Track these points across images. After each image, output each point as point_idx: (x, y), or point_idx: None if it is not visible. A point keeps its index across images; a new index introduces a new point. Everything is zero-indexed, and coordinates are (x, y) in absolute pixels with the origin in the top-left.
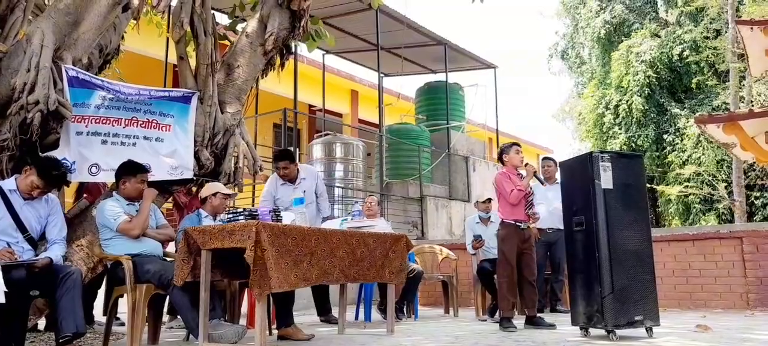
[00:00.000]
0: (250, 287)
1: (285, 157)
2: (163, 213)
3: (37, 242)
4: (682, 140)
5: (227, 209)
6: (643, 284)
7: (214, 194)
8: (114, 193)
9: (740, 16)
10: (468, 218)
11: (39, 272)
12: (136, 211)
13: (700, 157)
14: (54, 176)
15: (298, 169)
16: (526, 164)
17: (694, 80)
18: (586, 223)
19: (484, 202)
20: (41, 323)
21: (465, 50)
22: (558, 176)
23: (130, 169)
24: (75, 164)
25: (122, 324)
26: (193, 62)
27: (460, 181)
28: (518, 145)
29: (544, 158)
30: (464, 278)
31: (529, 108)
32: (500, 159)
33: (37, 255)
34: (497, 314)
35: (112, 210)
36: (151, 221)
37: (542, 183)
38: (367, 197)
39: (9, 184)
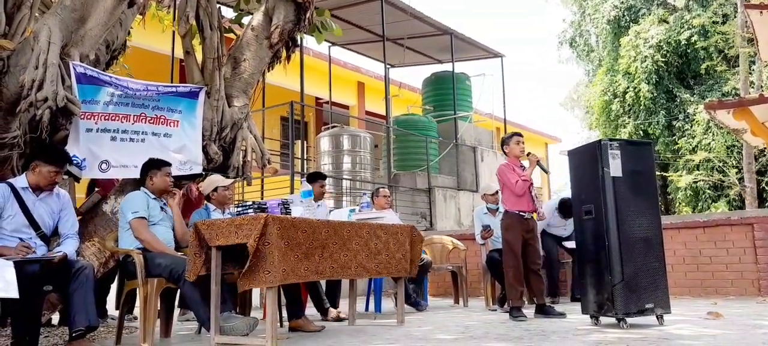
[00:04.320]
0: (241, 278)
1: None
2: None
3: (50, 238)
4: (691, 126)
5: (236, 201)
6: (654, 272)
7: (215, 190)
8: (142, 188)
9: (749, 0)
10: (476, 208)
11: (56, 266)
12: (162, 208)
13: (710, 143)
14: (59, 153)
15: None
16: (529, 154)
17: (703, 66)
18: (596, 211)
19: (492, 194)
20: (55, 318)
21: (471, 39)
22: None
23: (155, 164)
24: (85, 161)
25: (135, 318)
26: (199, 57)
27: (468, 171)
28: (519, 134)
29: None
30: (473, 268)
31: (538, 97)
32: (503, 150)
33: (49, 251)
34: (507, 303)
35: (135, 202)
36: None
37: (545, 172)
38: (380, 189)
39: (21, 182)
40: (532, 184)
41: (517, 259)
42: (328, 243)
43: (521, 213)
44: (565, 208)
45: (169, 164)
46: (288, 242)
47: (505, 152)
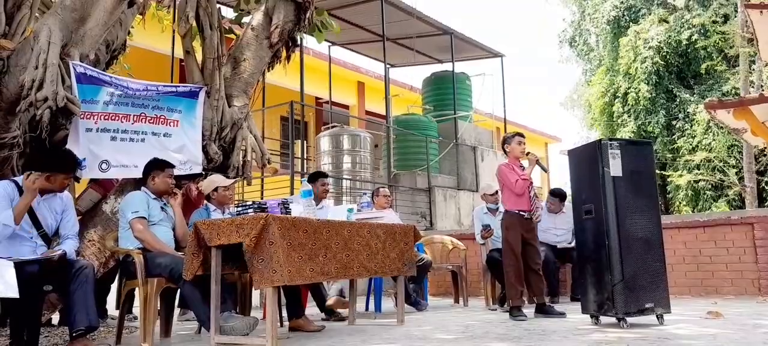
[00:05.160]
0: (252, 278)
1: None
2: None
3: (51, 239)
4: (692, 126)
5: (236, 201)
6: (654, 272)
7: (215, 190)
8: (142, 187)
9: (749, 0)
10: (476, 208)
11: (56, 264)
12: (162, 208)
13: (710, 143)
14: (71, 161)
15: None
16: (528, 154)
17: (703, 65)
18: (596, 211)
19: (492, 194)
20: (55, 318)
21: (471, 39)
22: (565, 206)
23: (158, 165)
24: (85, 161)
25: (135, 318)
26: (199, 56)
27: (468, 171)
28: (521, 135)
29: (552, 193)
30: (473, 267)
31: (538, 96)
32: (503, 149)
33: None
34: (507, 303)
35: (135, 202)
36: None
37: (545, 170)
38: (380, 189)
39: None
40: (531, 183)
41: (517, 258)
42: (330, 243)
43: (521, 212)
44: (556, 194)
45: (172, 166)
46: (290, 242)
47: (505, 152)
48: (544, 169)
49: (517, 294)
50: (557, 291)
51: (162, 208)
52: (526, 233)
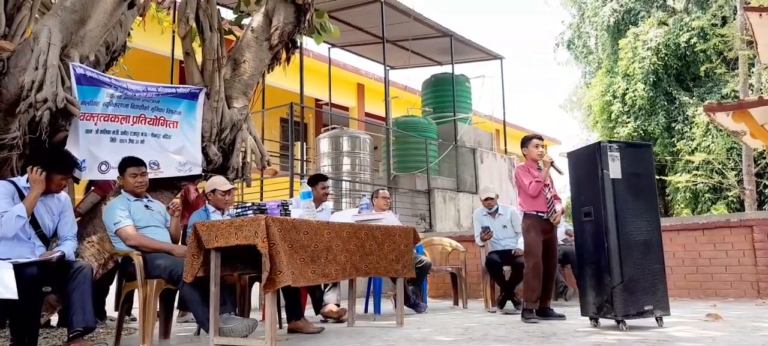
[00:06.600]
0: (263, 282)
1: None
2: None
3: (49, 240)
4: (691, 129)
5: (235, 203)
6: (653, 274)
7: (213, 191)
8: (122, 190)
9: (749, 3)
10: (476, 210)
11: (54, 266)
12: (146, 206)
13: (709, 146)
14: (70, 163)
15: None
16: (544, 156)
17: (702, 68)
18: (595, 213)
19: (485, 199)
20: (54, 319)
21: (471, 41)
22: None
23: (120, 165)
24: (85, 162)
25: (134, 319)
26: (199, 58)
27: (467, 173)
28: (540, 138)
29: None
30: (473, 269)
31: (538, 99)
32: (522, 152)
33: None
34: (507, 305)
35: (115, 212)
36: (160, 218)
37: (560, 173)
38: (379, 191)
39: (24, 181)
40: (546, 185)
41: (536, 260)
42: (331, 245)
43: (539, 214)
44: None
45: (137, 164)
46: (291, 244)
47: (523, 154)
48: (559, 172)
49: (533, 296)
50: (564, 290)
51: (146, 206)
52: (545, 235)
